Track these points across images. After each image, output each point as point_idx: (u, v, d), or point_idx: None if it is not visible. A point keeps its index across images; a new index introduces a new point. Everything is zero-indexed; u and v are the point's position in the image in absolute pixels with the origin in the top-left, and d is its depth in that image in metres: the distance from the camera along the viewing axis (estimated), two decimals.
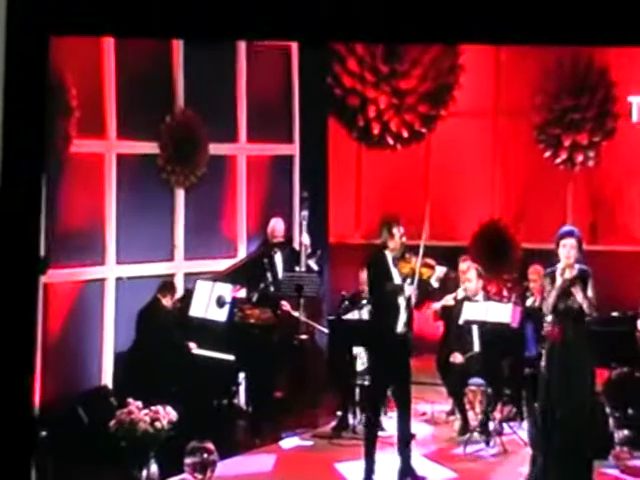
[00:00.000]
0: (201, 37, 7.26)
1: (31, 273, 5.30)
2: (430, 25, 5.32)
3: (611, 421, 8.03)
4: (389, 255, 7.63)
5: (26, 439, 5.26)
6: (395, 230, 7.61)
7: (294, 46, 10.34)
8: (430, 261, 7.77)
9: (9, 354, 5.27)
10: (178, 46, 9.49)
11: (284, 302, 9.29)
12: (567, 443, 7.03)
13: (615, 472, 7.75)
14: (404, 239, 7.66)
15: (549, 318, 7.41)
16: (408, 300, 7.64)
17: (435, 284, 8.00)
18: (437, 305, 9.18)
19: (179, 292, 9.31)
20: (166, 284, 8.98)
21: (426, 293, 8.17)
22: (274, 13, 5.32)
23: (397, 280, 7.63)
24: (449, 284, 9.00)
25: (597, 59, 10.59)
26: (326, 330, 9.25)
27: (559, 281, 7.06)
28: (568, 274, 7.07)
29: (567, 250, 7.07)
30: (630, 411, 8.18)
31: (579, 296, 7.01)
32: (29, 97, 5.32)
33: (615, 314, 8.58)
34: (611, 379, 8.29)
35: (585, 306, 7.02)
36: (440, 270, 7.92)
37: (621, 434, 8.07)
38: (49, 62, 5.41)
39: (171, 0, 5.38)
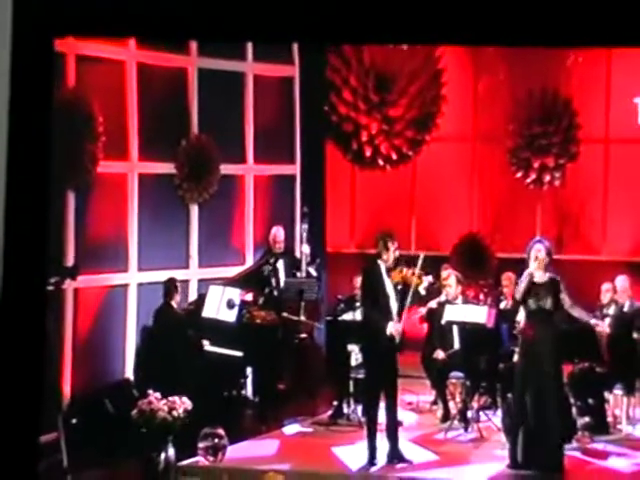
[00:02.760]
0: (210, 39, 6.96)
1: (39, 279, 4.98)
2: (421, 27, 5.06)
3: (574, 410, 8.03)
4: (382, 265, 7.67)
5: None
6: (390, 244, 7.67)
7: (296, 77, 10.31)
8: (419, 272, 7.86)
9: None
10: (193, 77, 9.48)
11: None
12: (539, 427, 7.11)
13: (577, 454, 7.73)
14: (397, 253, 7.73)
15: (520, 318, 7.55)
16: (400, 304, 7.68)
17: (423, 292, 8.13)
18: (423, 310, 9.12)
19: (190, 294, 9.26)
20: (169, 286, 8.75)
21: (416, 300, 8.26)
22: (276, 16, 5.03)
23: (389, 287, 7.67)
24: (432, 291, 9.05)
25: (562, 91, 10.59)
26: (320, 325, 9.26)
27: (526, 279, 7.22)
28: (538, 278, 7.22)
29: (534, 253, 7.28)
30: (591, 401, 8.19)
31: (548, 301, 7.16)
32: (35, 98, 4.99)
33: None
34: (574, 373, 8.29)
35: (566, 306, 7.21)
36: (427, 280, 8.05)
37: (583, 421, 8.07)
38: (54, 63, 5.09)
39: (177, 4, 5.03)
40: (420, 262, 7.79)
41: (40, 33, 5.00)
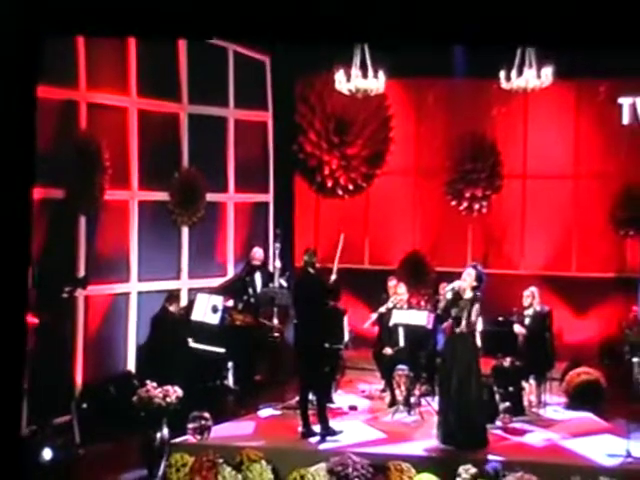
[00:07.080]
0: (197, 37, 6.43)
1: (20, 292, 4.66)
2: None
3: (497, 396, 8.17)
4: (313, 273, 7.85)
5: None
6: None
7: (269, 121, 10.44)
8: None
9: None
10: (184, 121, 9.57)
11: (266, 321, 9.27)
12: (465, 409, 7.31)
13: (499, 432, 7.88)
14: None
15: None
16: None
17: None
18: (374, 315, 9.18)
19: (182, 302, 9.30)
20: (171, 295, 8.95)
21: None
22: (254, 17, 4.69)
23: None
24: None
25: (489, 135, 10.74)
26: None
27: (450, 292, 7.55)
28: (463, 294, 7.50)
29: (465, 274, 7.55)
30: (510, 389, 8.31)
31: (466, 311, 7.45)
32: (20, 96, 4.47)
33: (500, 319, 8.77)
34: (497, 366, 8.45)
35: (472, 321, 7.45)
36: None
37: (504, 405, 8.18)
38: (41, 61, 4.57)
39: (166, 2, 4.60)
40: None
41: (27, 31, 4.49)
